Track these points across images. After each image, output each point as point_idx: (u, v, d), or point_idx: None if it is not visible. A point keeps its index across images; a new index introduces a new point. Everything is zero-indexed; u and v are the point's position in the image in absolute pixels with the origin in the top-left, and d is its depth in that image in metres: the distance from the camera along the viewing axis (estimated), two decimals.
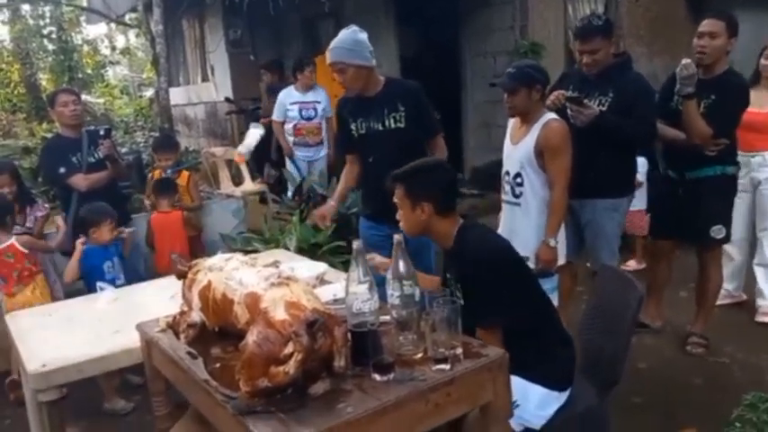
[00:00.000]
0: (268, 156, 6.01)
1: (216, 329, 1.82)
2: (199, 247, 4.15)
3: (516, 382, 1.75)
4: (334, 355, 1.48)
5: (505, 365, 1.62)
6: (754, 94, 3.37)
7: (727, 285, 3.71)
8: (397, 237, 1.76)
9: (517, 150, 2.82)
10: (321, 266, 2.64)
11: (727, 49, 3.04)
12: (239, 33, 8.65)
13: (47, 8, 14.24)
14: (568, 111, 2.92)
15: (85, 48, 16.04)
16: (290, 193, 5.11)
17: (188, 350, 1.77)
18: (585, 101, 2.92)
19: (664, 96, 3.19)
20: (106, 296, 2.77)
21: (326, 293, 2.08)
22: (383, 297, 1.71)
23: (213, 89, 9.42)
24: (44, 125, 10.96)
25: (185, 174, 4.39)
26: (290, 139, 5.48)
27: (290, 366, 1.38)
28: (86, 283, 3.20)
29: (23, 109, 14.02)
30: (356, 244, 1.69)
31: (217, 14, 8.88)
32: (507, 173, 2.89)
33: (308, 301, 1.53)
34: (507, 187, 2.89)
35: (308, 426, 1.34)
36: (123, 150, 7.08)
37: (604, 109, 2.95)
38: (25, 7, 14.27)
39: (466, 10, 6.49)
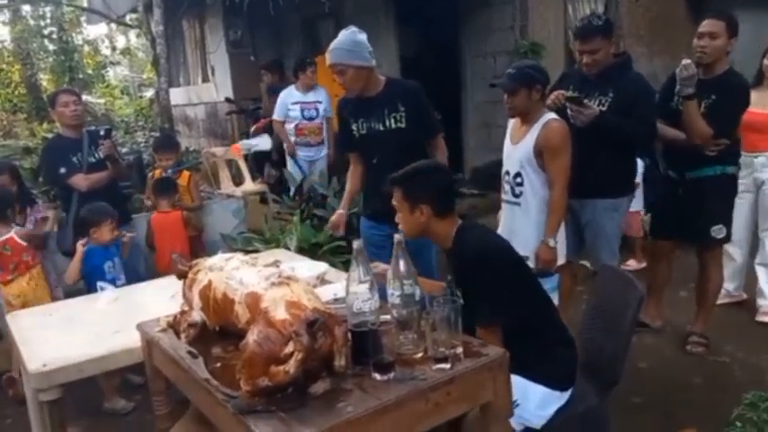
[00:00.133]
0: (268, 156, 6.01)
1: (216, 329, 1.82)
2: (199, 246, 4.15)
3: (517, 381, 1.75)
4: (335, 355, 1.48)
5: (506, 365, 1.62)
6: (756, 95, 3.38)
7: (728, 285, 3.71)
8: (397, 236, 1.77)
9: (517, 150, 2.82)
10: (322, 266, 2.64)
11: (728, 50, 3.04)
12: (239, 34, 8.65)
13: (47, 8, 14.24)
14: (568, 111, 2.92)
15: (86, 48, 16.05)
16: (292, 193, 5.11)
17: (189, 349, 1.77)
18: (585, 101, 2.93)
19: (664, 96, 3.19)
20: (106, 296, 2.77)
21: (327, 293, 2.08)
22: (383, 296, 1.72)
23: (213, 89, 9.43)
24: (45, 125, 10.98)
25: (186, 174, 4.39)
26: (292, 139, 5.48)
27: (291, 366, 1.38)
28: (87, 284, 3.21)
29: (24, 109, 14.03)
30: (356, 244, 1.69)
31: (217, 15, 8.88)
32: (507, 172, 2.89)
33: (308, 300, 1.53)
34: (507, 187, 2.90)
35: (309, 425, 1.34)
36: (124, 150, 7.09)
37: (604, 109, 2.95)
38: (26, 8, 14.28)
39: (466, 10, 6.50)
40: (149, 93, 13.86)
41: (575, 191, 2.83)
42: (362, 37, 2.81)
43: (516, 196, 2.84)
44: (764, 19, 5.40)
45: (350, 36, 2.79)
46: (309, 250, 3.80)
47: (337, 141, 4.76)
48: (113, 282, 3.19)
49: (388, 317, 1.67)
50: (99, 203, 3.33)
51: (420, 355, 1.62)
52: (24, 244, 3.27)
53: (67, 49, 14.46)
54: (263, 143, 5.11)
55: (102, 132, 3.73)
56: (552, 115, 2.77)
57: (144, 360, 2.06)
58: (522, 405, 1.86)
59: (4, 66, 14.67)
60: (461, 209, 5.41)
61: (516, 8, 5.97)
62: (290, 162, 5.50)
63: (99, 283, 3.15)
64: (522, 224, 2.82)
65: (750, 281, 3.77)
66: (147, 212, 4.17)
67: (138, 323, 2.05)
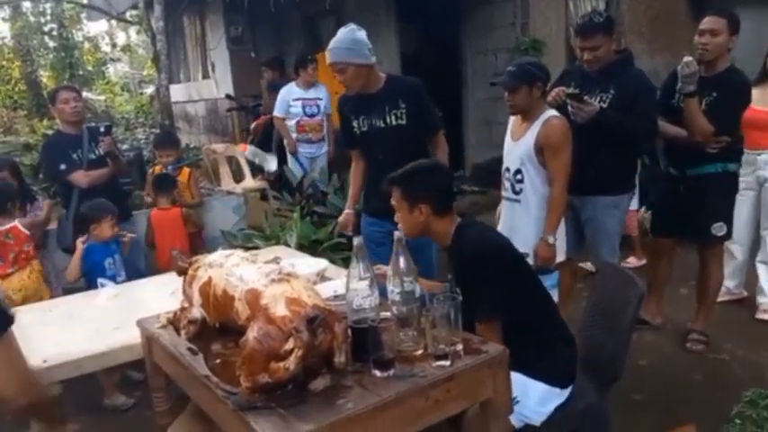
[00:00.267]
0: (269, 152, 6.01)
1: (216, 325, 1.82)
2: (199, 243, 4.15)
3: (516, 378, 1.75)
4: (335, 351, 1.48)
5: (505, 362, 1.62)
6: (759, 93, 3.37)
7: (729, 283, 3.71)
8: (397, 233, 1.77)
9: (517, 147, 2.82)
10: (322, 263, 2.64)
11: (729, 47, 3.04)
12: (240, 30, 8.64)
13: (48, 5, 14.25)
14: (569, 107, 2.92)
15: (86, 45, 16.06)
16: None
17: (189, 346, 1.77)
18: (586, 97, 2.92)
19: (665, 93, 3.19)
20: (106, 292, 2.77)
21: (327, 290, 2.09)
22: (383, 293, 1.72)
23: (214, 86, 9.42)
24: (45, 122, 10.98)
25: (186, 170, 4.39)
26: (293, 135, 5.47)
27: (291, 362, 1.38)
28: (87, 280, 3.21)
29: (24, 106, 14.04)
30: (356, 241, 1.69)
31: (218, 11, 8.88)
32: (507, 169, 2.89)
33: (308, 297, 1.53)
34: (507, 184, 2.89)
35: (309, 421, 1.34)
36: (124, 147, 7.08)
37: (605, 106, 2.95)
38: (26, 4, 14.29)
39: (467, 7, 6.49)
40: (150, 89, 13.87)
41: (575, 188, 2.83)
42: (362, 34, 2.80)
43: (516, 193, 2.84)
44: (765, 16, 5.39)
45: (349, 34, 2.78)
46: (309, 247, 3.80)
47: (339, 137, 4.76)
48: (113, 278, 3.18)
49: (388, 314, 1.67)
50: (99, 200, 3.34)
51: (420, 352, 1.62)
52: (27, 233, 3.29)
53: (68, 45, 14.46)
54: (270, 163, 5.10)
55: (102, 129, 3.73)
56: (553, 112, 2.77)
57: (144, 356, 2.06)
58: (521, 402, 1.86)
59: (4, 62, 14.68)
60: (462, 206, 5.42)
61: (517, 5, 5.96)
62: (290, 159, 5.50)
63: (99, 280, 3.14)
64: (522, 221, 2.81)
65: (750, 279, 3.77)
66: (148, 209, 4.17)
67: (138, 320, 2.05)
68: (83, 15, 14.46)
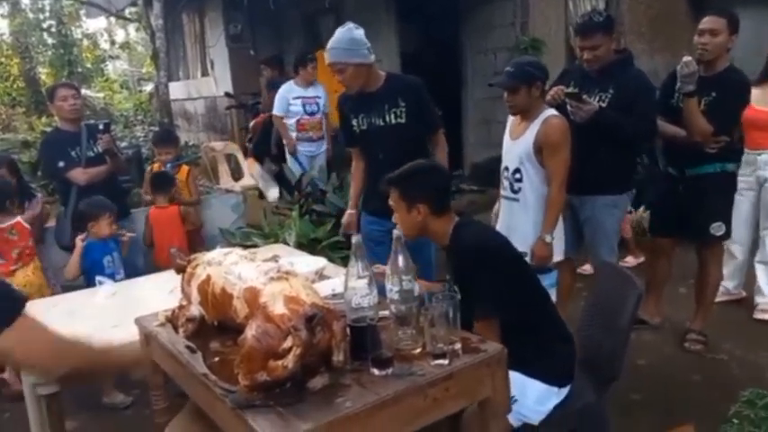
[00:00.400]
0: (268, 151, 6.01)
1: (215, 323, 1.82)
2: (198, 241, 4.15)
3: (515, 377, 1.75)
4: (333, 350, 1.48)
5: (504, 361, 1.62)
6: (760, 92, 3.37)
7: (728, 283, 3.72)
8: (396, 232, 1.77)
9: (516, 146, 2.82)
10: (320, 261, 2.64)
11: (728, 47, 3.04)
12: (239, 28, 8.64)
13: (46, 2, 14.24)
14: (568, 107, 2.92)
15: (85, 42, 16.05)
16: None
17: (187, 344, 1.76)
18: (584, 97, 2.92)
19: (664, 93, 3.19)
20: (105, 290, 2.76)
21: (325, 288, 2.08)
22: (382, 292, 1.71)
23: (213, 84, 9.42)
24: (43, 119, 10.97)
25: (185, 168, 4.39)
26: (293, 134, 5.46)
27: (289, 361, 1.38)
28: (86, 278, 3.20)
29: (23, 103, 14.03)
30: (355, 239, 1.69)
31: (217, 9, 8.87)
32: (506, 168, 2.89)
33: (307, 295, 1.53)
34: (506, 183, 2.89)
35: (307, 420, 1.34)
36: (123, 145, 7.08)
37: (604, 105, 2.95)
38: (25, 1, 14.27)
39: (466, 6, 6.48)
40: (148, 87, 13.86)
41: (574, 187, 2.83)
42: (360, 33, 2.79)
43: (515, 192, 2.84)
44: (765, 16, 5.39)
45: (347, 34, 2.78)
46: (308, 245, 3.80)
47: (339, 136, 4.74)
48: (112, 276, 3.18)
49: (386, 312, 1.67)
50: (97, 197, 3.33)
51: (418, 350, 1.61)
52: (29, 228, 3.31)
53: (66, 42, 14.45)
54: (271, 192, 5.08)
55: (100, 126, 3.73)
56: (552, 111, 2.77)
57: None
58: (520, 401, 1.86)
59: (2, 59, 14.66)
60: (461, 205, 5.42)
61: (517, 4, 5.97)
62: (290, 159, 5.49)
63: (98, 278, 3.14)
64: (521, 220, 2.81)
65: (749, 279, 3.77)
66: (146, 207, 4.16)
67: (136, 317, 2.05)
68: (82, 12, 14.45)
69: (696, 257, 3.34)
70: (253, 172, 3.43)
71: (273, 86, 5.88)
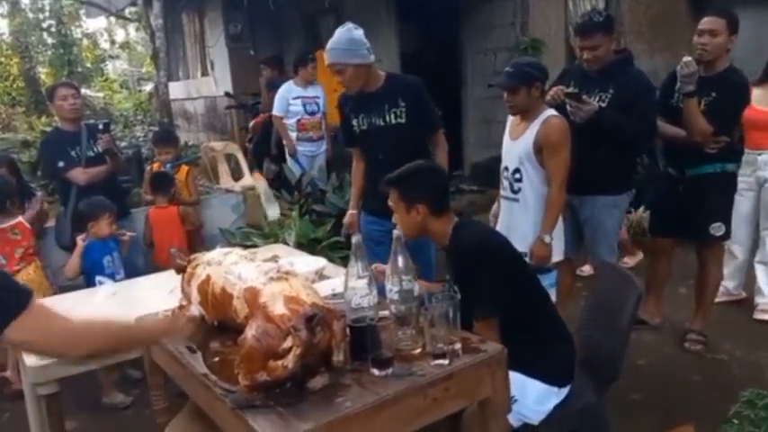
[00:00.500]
0: (268, 151, 6.01)
1: (215, 323, 1.82)
2: (198, 241, 4.14)
3: (515, 377, 1.75)
4: (333, 350, 1.48)
5: (504, 361, 1.62)
6: (762, 93, 3.37)
7: (728, 283, 3.71)
8: (396, 232, 1.77)
9: (516, 146, 2.82)
10: (320, 261, 2.64)
11: (728, 47, 3.03)
12: (239, 28, 8.64)
13: (46, 1, 14.24)
14: (568, 107, 2.92)
15: (85, 41, 16.05)
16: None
17: (187, 344, 1.76)
18: (584, 97, 2.92)
19: (664, 93, 3.19)
20: (105, 290, 2.76)
21: (325, 288, 2.08)
22: (382, 292, 1.71)
23: (213, 84, 9.42)
24: (43, 119, 10.97)
25: (184, 168, 4.38)
26: (293, 134, 5.46)
27: (289, 361, 1.38)
28: (86, 278, 3.20)
29: (22, 102, 14.03)
30: (355, 239, 1.69)
31: (217, 9, 8.87)
32: (506, 168, 2.89)
33: (306, 295, 1.53)
34: (506, 183, 2.89)
35: (307, 420, 1.34)
36: (122, 144, 7.08)
37: (604, 105, 2.95)
38: (25, 0, 14.26)
39: (466, 6, 6.48)
40: (148, 87, 13.85)
41: (574, 187, 2.83)
42: (359, 33, 2.79)
43: (515, 192, 2.84)
44: (765, 16, 5.39)
45: (346, 34, 2.77)
46: (308, 245, 3.80)
47: (339, 136, 4.73)
48: (112, 276, 3.18)
49: (386, 312, 1.67)
50: (97, 197, 3.33)
51: (418, 350, 1.62)
52: (30, 228, 3.31)
53: (66, 42, 14.45)
54: (271, 210, 5.08)
55: (100, 126, 3.72)
56: (552, 111, 2.77)
57: (142, 355, 2.05)
58: (519, 401, 1.87)
59: (2, 59, 14.66)
60: (461, 205, 5.43)
61: (517, 4, 5.97)
62: (289, 159, 5.48)
63: (98, 278, 3.14)
64: (521, 220, 2.81)
65: (749, 279, 3.77)
66: (146, 207, 4.16)
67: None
68: (82, 12, 14.45)
69: (696, 258, 3.34)
70: (258, 185, 3.41)
71: (273, 86, 5.88)
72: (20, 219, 3.28)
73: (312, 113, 5.45)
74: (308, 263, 2.58)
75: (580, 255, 3.43)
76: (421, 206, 1.98)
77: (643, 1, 6.15)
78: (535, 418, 1.93)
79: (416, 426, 1.49)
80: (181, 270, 1.92)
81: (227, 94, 8.45)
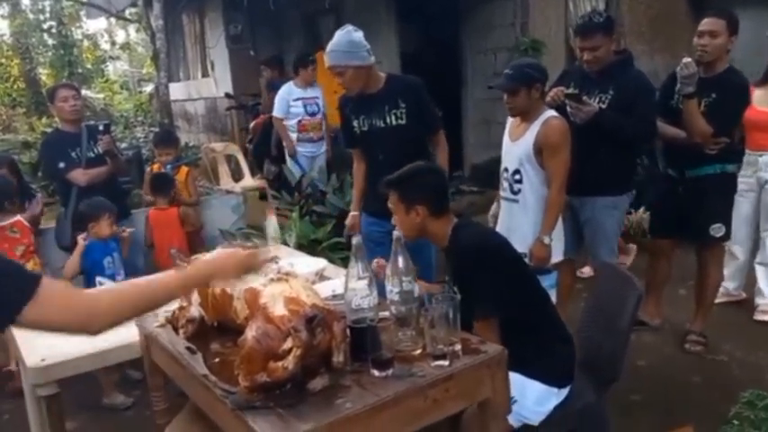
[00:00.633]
0: (268, 152, 6.01)
1: (215, 324, 1.82)
2: (198, 242, 4.14)
3: (514, 378, 1.75)
4: (333, 351, 1.48)
5: (504, 362, 1.62)
6: (763, 93, 3.37)
7: (728, 284, 3.71)
8: (396, 233, 1.77)
9: (516, 147, 2.82)
10: (320, 262, 2.64)
11: (728, 48, 3.04)
12: (240, 29, 8.63)
13: (47, 2, 14.24)
14: (568, 108, 2.92)
15: (85, 43, 16.06)
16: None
17: (187, 345, 1.76)
18: (584, 98, 2.92)
19: (664, 94, 3.19)
20: None
21: (326, 289, 2.08)
22: (382, 293, 1.71)
23: (213, 85, 9.42)
24: (44, 120, 10.98)
25: (184, 169, 4.39)
26: (294, 135, 5.46)
27: (289, 362, 1.38)
28: (86, 279, 3.21)
29: (23, 104, 14.04)
30: (355, 240, 1.69)
31: (217, 10, 8.87)
32: (506, 169, 2.89)
33: (307, 296, 1.53)
34: (506, 184, 2.89)
35: (307, 421, 1.34)
36: (123, 146, 7.08)
37: (604, 107, 2.95)
38: (25, 1, 14.29)
39: (466, 7, 6.48)
40: (149, 88, 13.86)
41: (574, 188, 2.83)
42: (359, 35, 2.79)
43: (515, 193, 2.84)
44: (765, 17, 5.39)
45: (345, 36, 2.78)
46: (308, 246, 3.80)
47: (337, 138, 4.74)
48: (113, 277, 3.18)
49: (386, 313, 1.67)
50: (97, 198, 3.33)
51: (419, 351, 1.62)
52: (29, 226, 3.33)
53: (67, 43, 14.45)
54: (271, 227, 5.06)
55: (100, 127, 3.73)
56: (552, 113, 2.77)
57: (142, 355, 2.06)
58: (519, 402, 1.87)
59: (3, 60, 14.67)
60: (460, 206, 5.42)
61: (517, 5, 5.96)
62: (289, 161, 5.49)
63: (98, 279, 3.14)
64: (521, 221, 2.81)
65: (749, 280, 3.77)
66: (147, 208, 4.16)
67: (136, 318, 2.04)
68: (82, 13, 14.45)
69: (696, 259, 3.34)
70: (268, 222, 3.40)
71: (274, 87, 5.88)
72: (18, 217, 3.29)
73: (313, 114, 5.45)
74: (308, 264, 2.58)
75: (580, 256, 3.43)
76: (420, 207, 1.99)
77: (643, 1, 6.15)
78: (535, 418, 1.93)
79: (416, 427, 1.49)
80: None
81: (227, 94, 8.46)
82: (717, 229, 3.16)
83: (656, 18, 6.11)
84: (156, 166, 4.36)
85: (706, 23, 3.01)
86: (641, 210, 4.56)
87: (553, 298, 2.45)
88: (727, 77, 3.03)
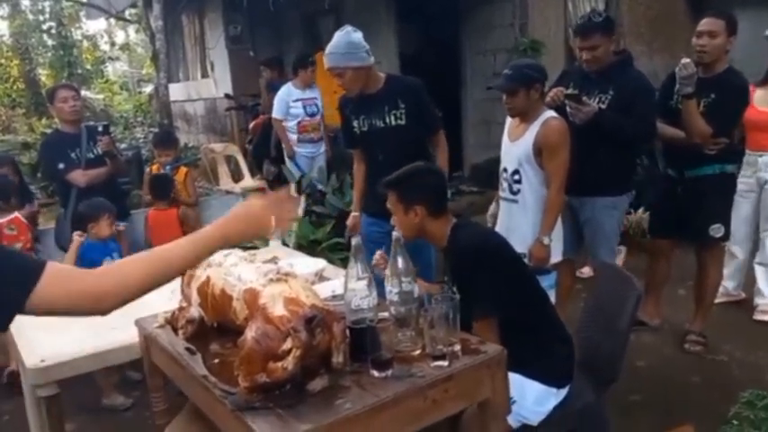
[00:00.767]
0: (267, 152, 6.01)
1: (214, 325, 1.82)
2: None
3: (514, 378, 1.75)
4: (333, 352, 1.48)
5: (503, 362, 1.62)
6: (763, 94, 3.37)
7: (728, 284, 3.71)
8: (395, 233, 1.77)
9: (515, 148, 2.82)
10: (320, 263, 2.64)
11: (727, 48, 3.04)
12: (239, 29, 8.63)
13: (46, 3, 14.24)
14: (567, 108, 2.92)
15: (85, 43, 16.06)
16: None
17: (186, 346, 1.76)
18: (584, 98, 2.92)
19: (663, 95, 3.19)
20: None
21: (325, 290, 2.08)
22: (382, 294, 1.71)
23: (213, 85, 9.42)
24: (43, 121, 10.98)
25: (183, 170, 4.39)
26: (293, 136, 5.46)
27: (289, 362, 1.38)
28: None
29: (23, 104, 14.04)
30: (355, 241, 1.69)
31: (217, 10, 8.87)
32: (505, 170, 2.89)
33: (306, 297, 1.53)
34: (505, 184, 2.90)
35: (307, 422, 1.34)
36: (122, 146, 7.09)
37: (604, 107, 2.95)
38: (25, 2, 14.29)
39: (466, 7, 6.49)
40: (148, 88, 13.87)
41: (574, 188, 2.83)
42: (358, 36, 2.79)
43: (514, 194, 2.84)
44: (764, 17, 5.40)
45: (344, 37, 2.78)
46: (308, 247, 3.80)
47: (336, 138, 4.73)
48: None
49: (386, 314, 1.67)
50: (97, 199, 3.33)
51: (418, 352, 1.62)
52: (27, 223, 3.36)
53: (66, 44, 14.45)
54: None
55: (100, 128, 3.73)
56: (551, 113, 2.77)
57: (142, 356, 2.05)
58: (519, 402, 1.87)
59: (2, 60, 14.67)
60: (460, 206, 5.42)
61: (516, 5, 5.97)
62: (288, 162, 5.48)
63: None
64: (520, 222, 2.82)
65: (749, 280, 3.77)
66: (146, 208, 4.16)
67: (136, 319, 2.04)
68: (82, 14, 14.46)
69: (695, 259, 3.34)
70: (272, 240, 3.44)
71: (273, 88, 5.88)
72: (16, 214, 3.30)
73: (312, 115, 5.45)
74: (307, 264, 2.58)
75: (580, 256, 3.43)
76: (419, 207, 1.99)
77: (642, 2, 6.15)
78: (534, 418, 1.93)
79: (416, 427, 1.49)
80: None
81: (226, 95, 8.46)
82: (716, 230, 3.16)
83: (655, 18, 6.12)
84: (155, 167, 4.36)
85: (705, 24, 3.01)
86: (641, 210, 4.56)
87: (552, 298, 2.45)
88: (727, 78, 3.03)
